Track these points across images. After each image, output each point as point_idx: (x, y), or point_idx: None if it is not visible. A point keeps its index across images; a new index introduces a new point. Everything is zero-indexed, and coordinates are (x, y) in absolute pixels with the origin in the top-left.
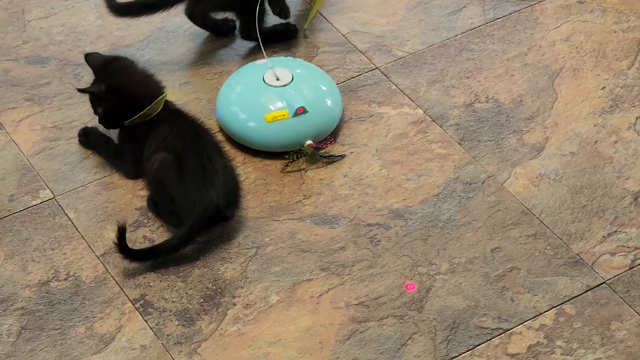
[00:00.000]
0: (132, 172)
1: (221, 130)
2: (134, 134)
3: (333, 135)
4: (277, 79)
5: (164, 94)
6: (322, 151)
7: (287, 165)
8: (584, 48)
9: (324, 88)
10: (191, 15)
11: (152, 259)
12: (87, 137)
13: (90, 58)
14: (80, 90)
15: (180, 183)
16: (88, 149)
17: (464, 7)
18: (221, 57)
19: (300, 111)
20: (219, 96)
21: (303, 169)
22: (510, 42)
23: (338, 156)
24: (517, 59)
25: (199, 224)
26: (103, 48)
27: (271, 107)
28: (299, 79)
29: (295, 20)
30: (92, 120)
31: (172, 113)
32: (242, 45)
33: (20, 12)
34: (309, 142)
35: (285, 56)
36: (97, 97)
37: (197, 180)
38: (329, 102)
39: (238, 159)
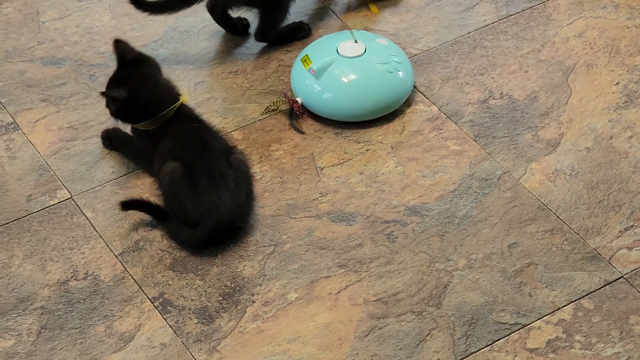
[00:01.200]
0: (151, 170)
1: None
2: (146, 134)
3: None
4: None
5: (179, 101)
6: (296, 118)
7: (266, 109)
8: (597, 44)
9: (396, 60)
10: (212, 9)
11: (149, 214)
12: (110, 139)
13: (120, 46)
14: (102, 94)
15: (193, 196)
16: (113, 151)
17: (476, 4)
18: (235, 57)
19: (312, 72)
20: (293, 69)
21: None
22: (524, 39)
23: (300, 131)
24: (530, 55)
25: (209, 237)
26: None
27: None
28: (371, 50)
29: (309, 18)
30: (108, 120)
31: (184, 119)
32: (255, 44)
33: (35, 14)
34: (299, 100)
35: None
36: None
37: (208, 193)
38: (400, 73)
39: (254, 157)
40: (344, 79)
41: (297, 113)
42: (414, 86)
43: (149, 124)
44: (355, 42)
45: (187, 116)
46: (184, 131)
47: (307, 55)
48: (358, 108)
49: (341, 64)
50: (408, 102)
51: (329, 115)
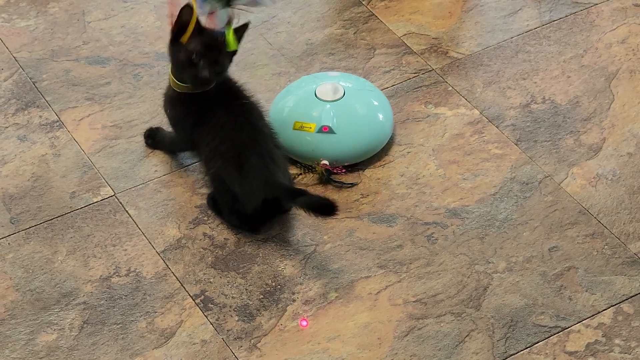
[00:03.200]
0: (187, 144)
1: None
2: (190, 107)
3: (360, 168)
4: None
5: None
6: (333, 176)
7: (299, 174)
8: None
9: (375, 103)
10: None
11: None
12: (153, 138)
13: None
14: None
15: (243, 181)
16: (156, 149)
17: (519, 9)
18: (279, 58)
19: (326, 130)
20: (272, 107)
21: (312, 185)
22: (567, 44)
23: (349, 184)
24: (573, 60)
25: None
26: (162, 49)
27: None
28: (350, 93)
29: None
30: (152, 119)
31: (232, 94)
32: (298, 47)
33: (81, 14)
34: (325, 162)
35: (340, 71)
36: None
37: (259, 177)
38: (380, 116)
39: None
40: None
41: (334, 171)
42: (455, 90)
43: (178, 85)
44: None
45: (235, 91)
46: (233, 109)
47: (300, 122)
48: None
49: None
50: (449, 106)
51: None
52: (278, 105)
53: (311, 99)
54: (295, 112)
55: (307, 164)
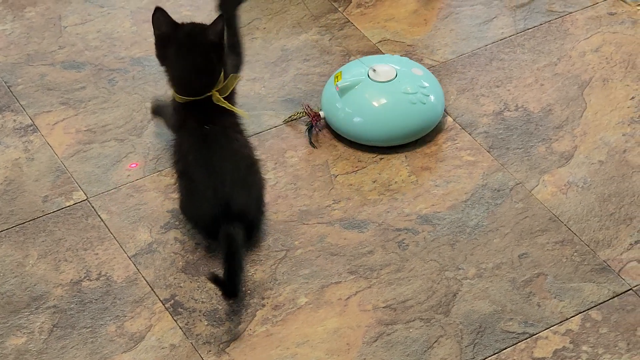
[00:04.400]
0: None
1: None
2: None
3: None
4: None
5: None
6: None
7: (289, 117)
8: (613, 59)
9: (426, 84)
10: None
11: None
12: (158, 108)
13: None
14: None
15: (190, 196)
16: (157, 117)
17: (494, 17)
18: (253, 64)
19: (337, 89)
20: (324, 92)
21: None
22: (541, 52)
23: (312, 144)
24: (547, 68)
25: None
26: (138, 54)
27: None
28: (402, 75)
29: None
30: (125, 124)
31: (212, 116)
32: (274, 52)
33: (57, 18)
34: (322, 112)
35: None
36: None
37: (203, 194)
38: (431, 97)
39: (269, 164)
40: (374, 103)
41: (315, 127)
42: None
43: (177, 96)
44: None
45: (218, 114)
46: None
47: (340, 72)
48: (383, 134)
49: (369, 87)
50: None
51: (352, 137)
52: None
53: (365, 82)
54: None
55: (307, 108)
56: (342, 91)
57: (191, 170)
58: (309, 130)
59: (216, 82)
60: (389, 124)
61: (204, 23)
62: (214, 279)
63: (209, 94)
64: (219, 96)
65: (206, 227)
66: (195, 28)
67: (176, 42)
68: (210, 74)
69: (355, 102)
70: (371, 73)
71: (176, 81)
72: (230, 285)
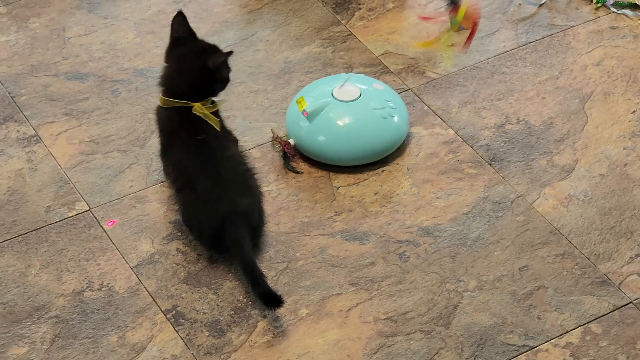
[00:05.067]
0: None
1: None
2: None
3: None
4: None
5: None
6: (287, 155)
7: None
8: (615, 72)
9: (391, 104)
10: None
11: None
12: None
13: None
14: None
15: (195, 205)
16: None
17: (496, 30)
18: (257, 76)
19: (305, 115)
20: (289, 111)
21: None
22: (542, 66)
23: (296, 171)
24: (548, 82)
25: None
26: (141, 65)
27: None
28: (366, 95)
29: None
30: (129, 135)
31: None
32: (276, 64)
33: (61, 29)
34: (291, 141)
35: (355, 73)
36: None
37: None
38: (395, 118)
39: (270, 176)
40: (338, 122)
41: (289, 155)
42: (431, 109)
43: (162, 99)
44: (342, 85)
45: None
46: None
47: (302, 97)
48: (350, 152)
49: (336, 108)
50: (425, 125)
51: (321, 158)
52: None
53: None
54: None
55: (277, 138)
56: (311, 116)
57: (192, 179)
58: (284, 158)
59: (201, 98)
60: (358, 143)
61: (219, 48)
62: (263, 298)
63: (192, 104)
64: (200, 106)
65: (212, 236)
66: (206, 47)
67: (185, 49)
68: (199, 86)
69: (322, 123)
70: (336, 93)
71: (166, 79)
72: (270, 295)
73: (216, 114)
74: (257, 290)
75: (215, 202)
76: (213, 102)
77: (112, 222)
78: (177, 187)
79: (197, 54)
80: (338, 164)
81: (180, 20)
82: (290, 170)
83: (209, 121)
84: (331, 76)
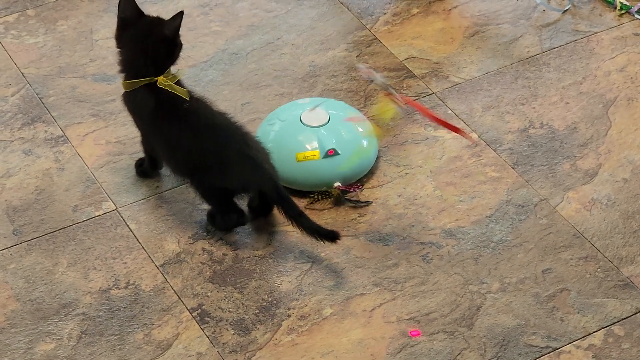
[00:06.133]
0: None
1: None
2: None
3: (364, 179)
4: (311, 119)
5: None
6: (348, 195)
7: (311, 203)
8: (638, 78)
9: (360, 130)
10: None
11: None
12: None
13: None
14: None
15: (229, 171)
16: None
17: (520, 36)
18: (282, 79)
19: (331, 153)
20: (257, 133)
21: (326, 209)
22: (566, 71)
23: (364, 202)
24: (572, 87)
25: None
26: None
27: (307, 146)
28: (335, 120)
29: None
30: None
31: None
32: (301, 68)
33: (89, 32)
34: (337, 184)
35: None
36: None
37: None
38: (364, 142)
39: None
40: (307, 147)
41: (349, 190)
42: (455, 113)
43: (125, 84)
44: (312, 109)
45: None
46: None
47: (303, 153)
48: (319, 178)
49: (303, 132)
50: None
51: (287, 183)
52: (264, 132)
53: (297, 125)
54: (283, 139)
55: (319, 191)
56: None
57: (205, 148)
58: (345, 198)
59: (163, 70)
60: (318, 170)
61: (163, 19)
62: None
63: (155, 78)
64: (164, 79)
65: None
66: (155, 20)
67: (134, 28)
68: (157, 61)
69: (291, 147)
70: (304, 117)
71: (125, 63)
72: (325, 231)
73: (180, 85)
74: (315, 232)
75: (248, 164)
76: (173, 75)
77: (416, 333)
78: (186, 163)
79: (151, 28)
80: (304, 189)
81: (126, 1)
82: (361, 204)
83: (176, 92)
84: (286, 104)
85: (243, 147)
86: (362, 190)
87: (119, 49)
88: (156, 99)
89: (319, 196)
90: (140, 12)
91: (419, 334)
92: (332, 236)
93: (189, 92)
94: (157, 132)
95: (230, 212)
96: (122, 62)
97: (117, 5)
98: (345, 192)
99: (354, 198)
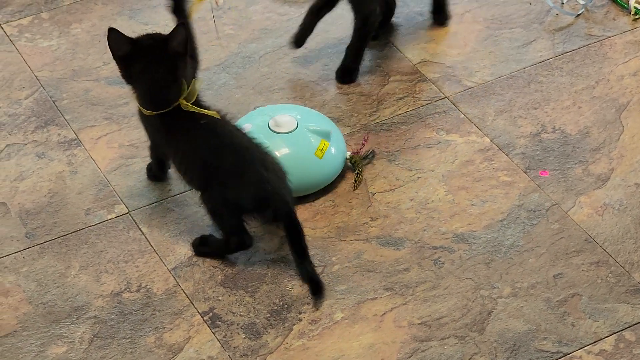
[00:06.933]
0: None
1: None
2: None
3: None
4: (279, 125)
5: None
6: (364, 153)
7: (355, 182)
8: None
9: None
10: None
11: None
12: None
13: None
14: (110, 30)
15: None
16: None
17: (533, 40)
18: (294, 83)
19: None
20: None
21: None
22: (579, 75)
23: (370, 152)
24: (584, 91)
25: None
26: None
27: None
28: (303, 128)
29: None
30: None
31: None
32: (314, 71)
33: (102, 35)
34: (348, 153)
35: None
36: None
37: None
38: (333, 149)
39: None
40: (276, 154)
41: (362, 147)
42: (467, 117)
43: (145, 111)
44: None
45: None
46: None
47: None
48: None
49: (271, 139)
50: (461, 133)
51: None
52: None
53: (265, 132)
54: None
55: (354, 172)
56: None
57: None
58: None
59: (182, 91)
60: (294, 175)
61: (161, 33)
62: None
63: (176, 104)
64: (187, 103)
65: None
66: (155, 41)
67: (139, 60)
68: (176, 85)
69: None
70: (272, 124)
71: (144, 97)
72: (317, 280)
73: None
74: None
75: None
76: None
77: (545, 173)
78: (200, 177)
79: (157, 57)
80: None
81: (114, 37)
82: (370, 156)
83: (205, 113)
84: (252, 112)
85: (260, 169)
86: (367, 140)
87: (130, 85)
88: (174, 117)
89: (357, 177)
90: (133, 40)
91: (547, 174)
92: (317, 289)
93: (209, 108)
94: (173, 146)
95: (233, 234)
96: (139, 97)
97: (108, 44)
98: (365, 157)
99: (369, 152)
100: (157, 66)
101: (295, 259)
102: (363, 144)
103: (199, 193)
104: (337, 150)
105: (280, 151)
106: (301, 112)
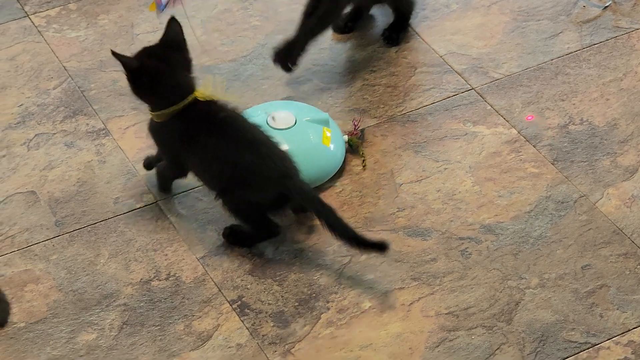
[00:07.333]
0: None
1: None
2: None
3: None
4: (278, 122)
5: (189, 97)
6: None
7: (363, 162)
8: None
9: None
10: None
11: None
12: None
13: (173, 25)
14: (113, 54)
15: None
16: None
17: (561, 32)
18: (322, 74)
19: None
20: None
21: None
22: (606, 67)
23: (361, 132)
24: (612, 83)
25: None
26: (207, 62)
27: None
28: (302, 122)
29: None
30: None
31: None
32: (341, 64)
33: (130, 26)
34: (345, 136)
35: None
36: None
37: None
38: (331, 146)
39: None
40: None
41: (357, 128)
42: (494, 109)
43: (156, 115)
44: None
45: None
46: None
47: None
48: None
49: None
50: (488, 125)
51: None
52: None
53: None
54: None
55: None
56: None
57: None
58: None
59: (194, 82)
60: (311, 167)
61: (155, 44)
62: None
63: (192, 97)
64: (202, 92)
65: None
66: (155, 46)
67: (149, 64)
68: (188, 68)
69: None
70: (270, 121)
71: (160, 94)
72: (370, 243)
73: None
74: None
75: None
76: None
77: (530, 117)
78: (220, 176)
79: (163, 53)
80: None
81: (120, 57)
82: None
83: (223, 98)
84: (252, 108)
85: (280, 166)
86: (359, 121)
87: (142, 97)
88: (190, 117)
89: (363, 157)
90: (137, 55)
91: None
92: (383, 247)
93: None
94: (192, 151)
95: (259, 229)
96: (154, 99)
97: (121, 63)
98: (360, 136)
99: (361, 133)
100: (165, 59)
101: (344, 239)
102: (355, 125)
103: (215, 194)
104: (338, 136)
105: (287, 147)
106: (289, 106)
